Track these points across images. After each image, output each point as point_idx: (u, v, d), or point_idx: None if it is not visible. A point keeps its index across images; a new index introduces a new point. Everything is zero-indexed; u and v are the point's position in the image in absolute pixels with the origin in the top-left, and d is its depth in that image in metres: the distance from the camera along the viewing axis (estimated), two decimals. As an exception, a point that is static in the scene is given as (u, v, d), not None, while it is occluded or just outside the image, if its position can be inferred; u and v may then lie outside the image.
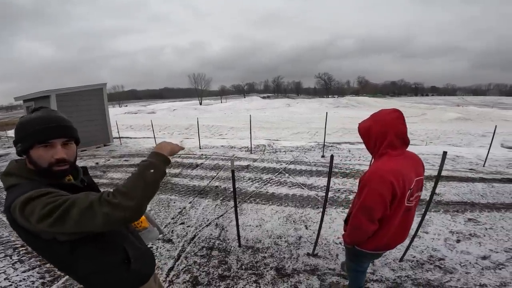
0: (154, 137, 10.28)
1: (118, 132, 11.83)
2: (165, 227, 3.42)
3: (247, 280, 2.41)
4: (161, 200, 4.36)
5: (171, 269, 2.58)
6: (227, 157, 7.32)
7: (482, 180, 5.14)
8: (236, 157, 7.37)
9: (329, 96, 78.51)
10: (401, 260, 2.60)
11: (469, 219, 3.50)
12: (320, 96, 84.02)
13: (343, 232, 1.69)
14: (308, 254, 2.76)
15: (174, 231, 3.33)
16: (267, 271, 2.52)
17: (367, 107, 33.25)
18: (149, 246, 1.63)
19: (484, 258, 2.67)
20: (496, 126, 7.18)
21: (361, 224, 1.45)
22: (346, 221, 1.70)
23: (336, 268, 2.52)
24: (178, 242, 3.08)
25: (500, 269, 2.48)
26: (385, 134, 1.40)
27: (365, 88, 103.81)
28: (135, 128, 16.26)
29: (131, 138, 12.29)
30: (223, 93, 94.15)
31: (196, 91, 74.10)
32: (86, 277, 1.01)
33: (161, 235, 1.50)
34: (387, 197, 1.35)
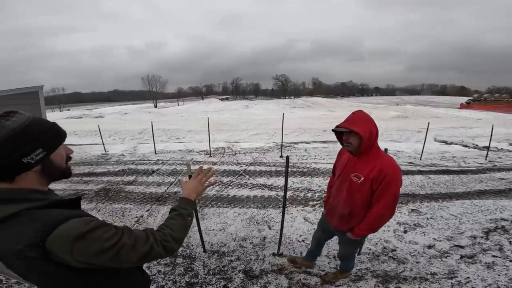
0: (103, 143, 9.46)
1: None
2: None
3: (216, 285, 2.37)
4: (115, 210, 4.03)
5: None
6: (185, 161, 7.08)
7: (420, 172, 5.80)
8: (194, 161, 7.19)
9: (286, 97, 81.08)
10: (359, 253, 2.76)
11: (412, 210, 3.87)
12: (278, 97, 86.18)
13: (348, 230, 1.86)
14: (273, 254, 2.81)
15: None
16: (235, 274, 2.51)
17: (320, 107, 35.16)
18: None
19: (429, 247, 2.92)
20: (429, 122, 8.18)
21: (393, 212, 1.72)
22: (345, 218, 1.84)
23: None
24: (137, 255, 2.88)
25: (446, 257, 2.73)
26: (378, 131, 1.69)
27: (319, 89, 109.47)
28: (80, 134, 14.71)
29: (74, 145, 11.12)
30: (180, 96, 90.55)
31: (150, 94, 69.79)
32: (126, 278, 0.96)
33: None
34: None
